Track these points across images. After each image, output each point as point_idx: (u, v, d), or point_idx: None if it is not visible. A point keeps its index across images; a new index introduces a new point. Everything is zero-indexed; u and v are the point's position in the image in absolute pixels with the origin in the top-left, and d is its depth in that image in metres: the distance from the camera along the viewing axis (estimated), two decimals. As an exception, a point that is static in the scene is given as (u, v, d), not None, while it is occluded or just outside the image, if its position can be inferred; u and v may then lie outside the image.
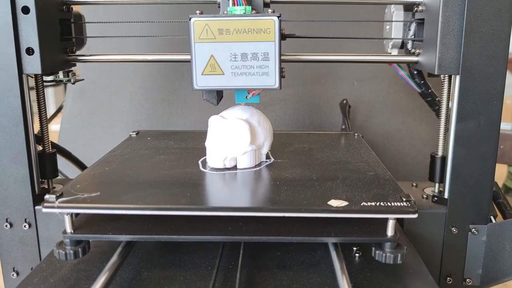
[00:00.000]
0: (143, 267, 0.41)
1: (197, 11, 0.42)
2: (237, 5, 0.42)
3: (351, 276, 0.37)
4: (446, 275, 0.49)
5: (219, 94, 0.48)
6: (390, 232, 0.39)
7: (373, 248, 0.39)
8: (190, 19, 0.41)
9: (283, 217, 0.40)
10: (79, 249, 0.39)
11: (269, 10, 0.42)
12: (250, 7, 0.42)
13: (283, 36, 0.48)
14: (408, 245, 0.43)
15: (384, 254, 0.38)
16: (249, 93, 0.47)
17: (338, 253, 0.39)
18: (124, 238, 0.40)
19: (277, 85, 0.42)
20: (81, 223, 0.41)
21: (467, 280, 0.49)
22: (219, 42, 0.41)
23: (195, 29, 0.41)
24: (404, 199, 0.39)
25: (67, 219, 0.39)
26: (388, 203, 0.39)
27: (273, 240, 0.39)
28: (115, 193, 0.42)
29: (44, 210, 0.39)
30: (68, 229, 0.39)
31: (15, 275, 0.50)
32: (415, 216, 0.38)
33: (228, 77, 0.42)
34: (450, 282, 0.49)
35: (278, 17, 0.40)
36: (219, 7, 0.46)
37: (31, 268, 0.50)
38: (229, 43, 0.41)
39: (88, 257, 0.41)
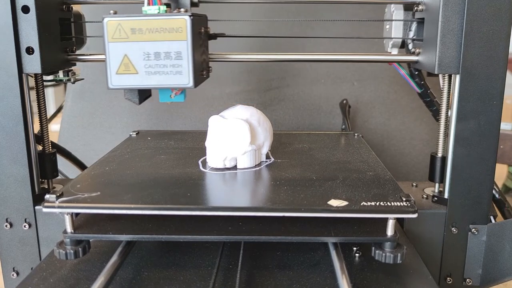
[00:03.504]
0: (143, 267, 0.41)
1: (111, 11, 0.42)
2: (152, 5, 0.42)
3: (351, 276, 0.37)
4: (446, 275, 0.49)
5: (142, 93, 0.48)
6: (390, 231, 0.39)
7: (373, 248, 0.39)
8: (103, 19, 0.41)
9: (283, 217, 0.40)
10: (80, 248, 0.39)
11: (182, 10, 0.43)
12: (164, 6, 0.43)
13: (211, 36, 0.49)
14: (408, 245, 0.43)
15: (384, 254, 0.38)
16: (172, 92, 0.46)
17: (338, 253, 0.39)
18: (124, 237, 0.40)
19: (191, 84, 0.42)
20: (81, 222, 0.41)
21: (467, 280, 0.49)
22: (132, 42, 0.41)
23: (108, 29, 0.41)
24: (404, 199, 0.39)
25: (67, 219, 0.39)
26: (388, 203, 0.39)
27: (273, 240, 0.39)
28: (115, 193, 0.42)
29: (45, 210, 0.39)
30: (69, 228, 0.39)
31: (15, 275, 0.50)
32: (415, 216, 0.38)
33: (142, 76, 0.42)
34: (450, 282, 0.49)
35: (190, 16, 0.41)
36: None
37: (31, 268, 0.50)
38: (142, 43, 0.41)
39: (88, 257, 0.41)
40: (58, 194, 0.39)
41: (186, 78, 0.41)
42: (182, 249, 0.43)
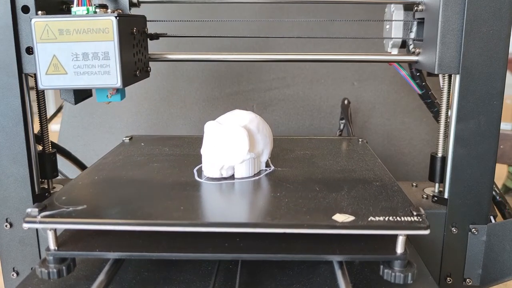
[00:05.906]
0: (143, 267, 0.40)
1: (39, 12, 0.43)
2: (81, 6, 0.43)
3: (351, 276, 0.37)
4: (446, 275, 0.49)
5: (79, 93, 0.48)
6: (400, 249, 0.36)
7: (381, 267, 0.36)
8: (31, 20, 0.41)
9: (284, 233, 0.37)
10: (63, 267, 0.36)
11: (109, 11, 0.43)
12: (94, 7, 0.43)
13: (152, 36, 0.51)
14: (408, 245, 0.43)
15: (393, 273, 0.35)
16: (108, 92, 0.46)
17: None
18: (112, 255, 0.37)
19: (119, 84, 0.42)
20: (66, 238, 0.38)
21: (467, 280, 0.49)
22: (60, 42, 0.41)
23: (36, 30, 0.41)
24: (415, 213, 0.36)
25: (50, 235, 0.36)
26: (398, 218, 0.36)
27: (273, 258, 0.37)
28: (103, 206, 0.40)
29: (25, 225, 0.36)
30: (52, 245, 0.36)
31: (15, 275, 0.50)
32: (427, 232, 0.35)
33: (71, 76, 0.42)
34: (450, 282, 0.49)
35: (116, 17, 0.41)
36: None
37: (31, 268, 0.50)
38: (70, 43, 0.42)
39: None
40: (41, 208, 0.36)
41: (114, 78, 0.42)
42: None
